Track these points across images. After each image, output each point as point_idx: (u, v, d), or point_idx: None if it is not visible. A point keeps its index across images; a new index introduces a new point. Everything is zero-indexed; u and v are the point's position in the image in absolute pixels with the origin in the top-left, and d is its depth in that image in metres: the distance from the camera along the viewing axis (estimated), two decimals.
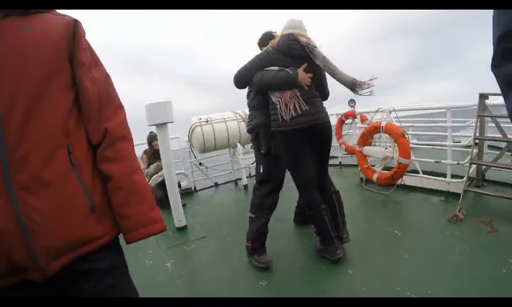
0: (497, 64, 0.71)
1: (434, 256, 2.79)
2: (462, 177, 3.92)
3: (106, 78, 1.20)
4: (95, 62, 1.17)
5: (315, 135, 2.78)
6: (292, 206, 4.00)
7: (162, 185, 5.18)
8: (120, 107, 1.22)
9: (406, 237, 3.23)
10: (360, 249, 3.06)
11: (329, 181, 3.17)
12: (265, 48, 2.83)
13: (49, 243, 0.98)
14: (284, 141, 2.79)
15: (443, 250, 2.88)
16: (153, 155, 5.45)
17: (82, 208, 1.06)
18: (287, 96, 2.65)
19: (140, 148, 5.62)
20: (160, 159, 5.19)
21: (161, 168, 5.16)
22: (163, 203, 5.22)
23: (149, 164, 5.48)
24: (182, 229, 4.08)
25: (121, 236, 1.22)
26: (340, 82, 2.65)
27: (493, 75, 0.75)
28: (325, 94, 3.09)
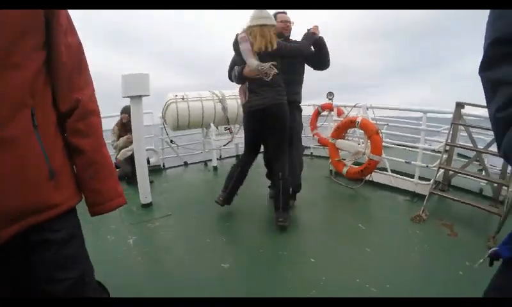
0: (486, 69, 0.71)
1: (395, 253, 2.87)
2: (429, 180, 4.04)
3: (80, 46, 1.15)
4: (71, 28, 1.11)
5: (267, 116, 3.24)
6: (262, 192, 4.02)
7: (130, 159, 5.05)
8: (91, 79, 1.20)
9: (369, 231, 3.30)
10: (324, 239, 3.11)
11: (279, 168, 3.32)
12: None
13: (2, 207, 0.92)
14: (244, 119, 3.54)
15: (404, 247, 2.96)
16: (123, 127, 5.29)
17: (41, 173, 1.00)
18: (240, 88, 3.43)
19: (113, 120, 5.44)
20: (130, 132, 5.06)
21: (131, 142, 5.05)
22: (130, 178, 5.11)
23: (119, 137, 5.32)
24: (148, 206, 3.99)
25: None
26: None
27: (478, 80, 0.75)
28: (312, 64, 3.72)
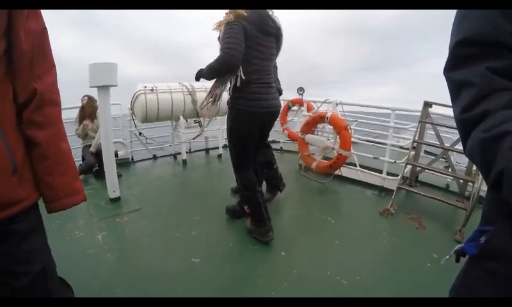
0: (450, 69, 0.73)
1: (364, 246, 2.95)
2: (397, 175, 4.17)
3: (43, 31, 1.07)
4: (34, 11, 1.03)
5: (273, 119, 3.02)
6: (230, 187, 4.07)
7: (96, 151, 4.92)
8: (53, 66, 1.13)
9: (338, 225, 3.37)
10: (294, 233, 3.16)
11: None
12: None
13: None
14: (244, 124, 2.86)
15: (373, 240, 3.05)
16: (83, 111, 5.09)
17: (4, 168, 0.97)
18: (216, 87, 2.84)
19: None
20: (89, 118, 4.97)
21: (87, 129, 5.01)
22: (97, 171, 4.99)
23: (80, 123, 5.13)
24: (116, 200, 3.89)
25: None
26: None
27: (444, 79, 0.77)
28: None
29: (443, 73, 0.75)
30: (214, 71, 2.54)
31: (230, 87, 2.72)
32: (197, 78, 2.83)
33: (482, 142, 0.62)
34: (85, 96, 4.99)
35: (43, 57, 1.08)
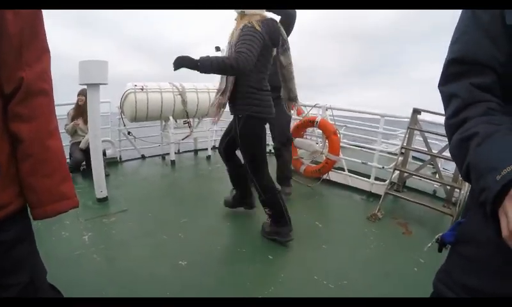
0: (442, 83, 0.86)
1: (351, 250, 2.97)
2: (385, 180, 4.22)
3: (35, 12, 0.93)
4: None
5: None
6: (218, 190, 4.04)
7: (84, 149, 4.87)
8: (46, 52, 1.00)
9: (326, 229, 3.39)
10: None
11: None
12: None
13: None
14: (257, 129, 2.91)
15: (360, 245, 3.08)
16: (79, 110, 5.02)
17: None
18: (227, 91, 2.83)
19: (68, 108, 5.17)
20: (82, 117, 4.88)
21: (78, 127, 4.97)
22: (84, 170, 4.94)
23: (73, 120, 5.07)
24: (103, 200, 3.85)
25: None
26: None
27: (438, 92, 0.89)
28: None
29: (438, 87, 0.88)
30: (226, 68, 2.45)
31: (228, 95, 2.77)
32: (191, 66, 2.45)
33: (459, 141, 0.76)
34: (82, 95, 4.91)
35: (35, 40, 0.95)
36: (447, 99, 0.84)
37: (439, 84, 0.87)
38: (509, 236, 0.57)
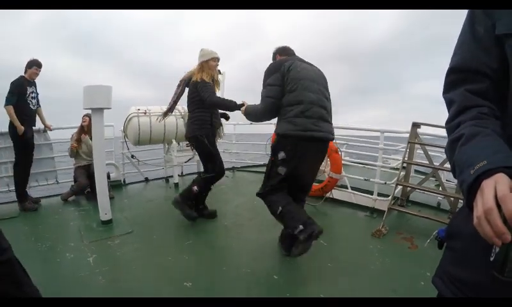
0: (444, 92, 0.93)
1: (357, 267, 2.95)
2: (388, 196, 4.21)
3: None
4: None
5: None
6: (224, 211, 4.06)
7: (87, 172, 4.90)
8: None
9: (331, 247, 3.37)
10: (286, 256, 3.15)
11: None
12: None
13: None
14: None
15: (366, 261, 3.06)
16: (82, 132, 5.09)
17: None
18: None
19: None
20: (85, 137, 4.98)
21: (80, 151, 5.02)
22: (89, 192, 4.96)
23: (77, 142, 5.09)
24: (108, 223, 3.85)
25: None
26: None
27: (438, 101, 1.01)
28: None
29: (442, 95, 0.95)
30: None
31: None
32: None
33: (450, 143, 0.84)
34: (86, 116, 4.98)
35: None
36: (448, 105, 0.91)
37: (442, 92, 0.94)
38: (477, 224, 0.63)
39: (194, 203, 3.99)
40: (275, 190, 2.93)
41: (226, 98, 3.71)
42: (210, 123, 3.80)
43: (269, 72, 2.86)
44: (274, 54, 3.13)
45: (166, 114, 4.11)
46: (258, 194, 3.06)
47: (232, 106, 3.55)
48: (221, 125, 4.17)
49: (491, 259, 0.63)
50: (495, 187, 0.61)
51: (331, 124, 2.95)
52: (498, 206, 0.59)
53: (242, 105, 3.30)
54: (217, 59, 3.82)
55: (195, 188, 3.84)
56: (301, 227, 2.68)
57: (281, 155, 2.81)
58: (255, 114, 3.07)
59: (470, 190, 0.68)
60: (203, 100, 3.63)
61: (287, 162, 2.81)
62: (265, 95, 2.86)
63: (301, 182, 3.02)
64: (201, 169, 7.01)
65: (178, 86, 3.96)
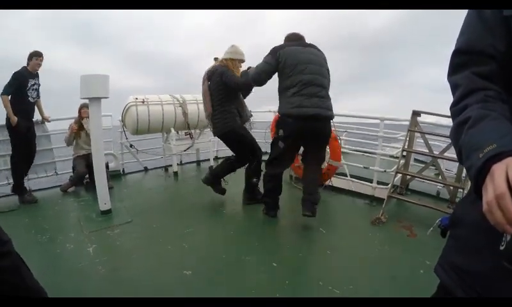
0: (449, 74, 0.90)
1: (356, 255, 2.96)
2: (387, 184, 4.20)
3: None
4: None
5: None
6: (223, 198, 4.06)
7: (85, 160, 4.88)
8: None
9: (330, 235, 3.38)
10: (286, 244, 3.16)
11: None
12: None
13: None
14: None
15: (365, 249, 3.07)
16: (79, 122, 5.07)
17: None
18: None
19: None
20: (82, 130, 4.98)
21: (80, 140, 5.03)
22: (88, 182, 4.96)
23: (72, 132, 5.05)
24: (107, 212, 3.85)
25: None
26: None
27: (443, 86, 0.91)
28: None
29: (447, 78, 0.92)
30: None
31: None
32: None
33: (455, 126, 0.81)
34: (85, 108, 4.92)
35: None
36: (453, 88, 0.88)
37: (447, 75, 0.91)
38: (487, 210, 0.60)
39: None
40: (276, 160, 3.57)
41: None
42: (239, 114, 3.94)
43: (269, 52, 3.42)
44: (284, 40, 3.59)
45: (210, 114, 3.98)
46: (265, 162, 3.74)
47: (249, 81, 3.69)
48: (251, 115, 4.34)
49: (501, 248, 0.61)
50: (506, 171, 0.58)
51: (328, 99, 3.42)
52: (511, 191, 0.57)
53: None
54: (243, 62, 4.00)
55: (254, 180, 4.07)
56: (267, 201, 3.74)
57: (281, 132, 3.41)
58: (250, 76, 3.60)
59: (479, 175, 0.64)
60: (230, 90, 3.81)
61: (285, 138, 3.39)
62: (258, 66, 3.48)
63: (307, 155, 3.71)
64: (201, 157, 7.04)
65: (203, 83, 4.00)
